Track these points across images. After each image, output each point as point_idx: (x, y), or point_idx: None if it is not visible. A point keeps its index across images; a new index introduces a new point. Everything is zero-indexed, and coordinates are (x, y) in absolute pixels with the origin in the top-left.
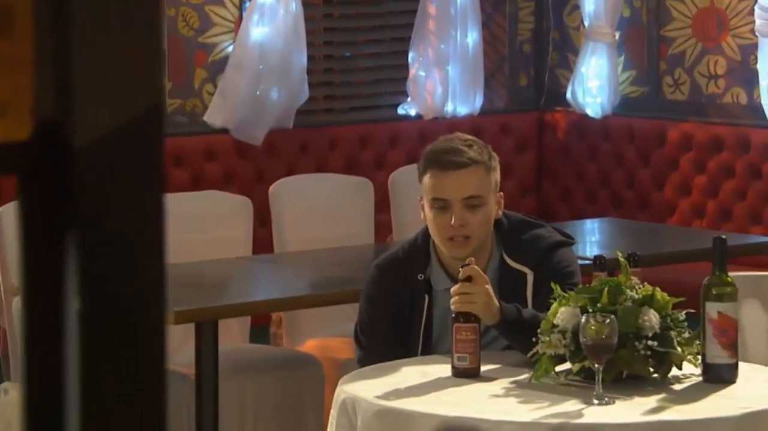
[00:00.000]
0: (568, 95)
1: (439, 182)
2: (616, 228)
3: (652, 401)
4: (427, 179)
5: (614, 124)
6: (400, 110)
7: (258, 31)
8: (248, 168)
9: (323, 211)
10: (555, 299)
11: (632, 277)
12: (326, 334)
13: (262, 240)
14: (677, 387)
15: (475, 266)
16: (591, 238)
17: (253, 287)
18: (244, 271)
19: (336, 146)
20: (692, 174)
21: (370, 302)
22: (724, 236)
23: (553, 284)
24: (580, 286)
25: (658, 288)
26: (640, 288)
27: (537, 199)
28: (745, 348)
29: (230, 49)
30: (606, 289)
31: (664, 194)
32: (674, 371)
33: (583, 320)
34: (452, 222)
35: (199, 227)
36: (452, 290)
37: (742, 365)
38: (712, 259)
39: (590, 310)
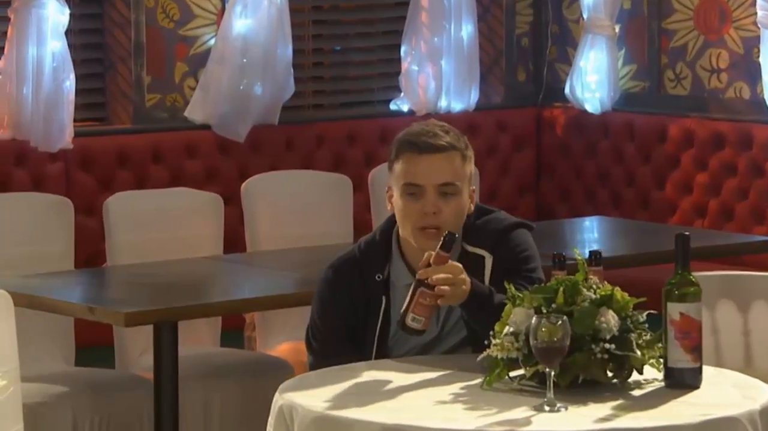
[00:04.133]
0: (567, 90)
1: (414, 166)
2: (610, 227)
3: (607, 407)
4: (399, 164)
5: (614, 120)
6: (392, 106)
7: (241, 23)
8: (231, 165)
9: (299, 209)
10: (510, 299)
11: (591, 276)
12: (301, 338)
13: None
14: (637, 392)
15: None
16: (581, 237)
17: (219, 287)
18: (211, 270)
19: (323, 142)
20: (693, 172)
21: (323, 306)
22: (687, 233)
23: (507, 284)
24: (540, 271)
25: (618, 288)
26: (599, 288)
27: (535, 198)
28: (719, 352)
29: (212, 42)
30: (562, 289)
31: (665, 193)
32: (636, 376)
33: (534, 321)
34: (425, 209)
35: (169, 225)
36: (435, 277)
37: (708, 369)
38: (674, 258)
39: (545, 311)
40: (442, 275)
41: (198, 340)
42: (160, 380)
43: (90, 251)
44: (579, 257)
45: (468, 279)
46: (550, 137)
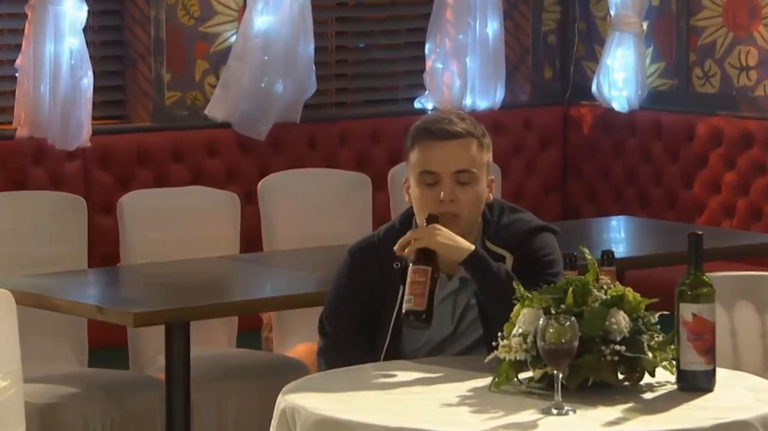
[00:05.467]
0: (593, 88)
1: (429, 153)
2: (635, 227)
3: (616, 411)
4: (415, 152)
5: (641, 118)
6: (417, 104)
7: (262, 20)
8: (251, 164)
9: (317, 208)
10: (518, 299)
11: (603, 276)
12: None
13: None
14: (648, 395)
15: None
16: (605, 236)
17: (233, 287)
18: (226, 270)
19: (346, 141)
20: (722, 171)
21: (340, 290)
22: (699, 233)
23: (515, 284)
24: (561, 276)
25: (629, 289)
26: (610, 289)
27: (562, 197)
28: (737, 354)
29: (233, 39)
30: (571, 289)
31: (693, 193)
32: (648, 378)
33: (541, 322)
34: (441, 197)
35: (184, 224)
36: (398, 246)
37: (722, 371)
38: (687, 257)
39: (554, 311)
40: (402, 240)
41: (214, 341)
42: (171, 381)
43: (107, 250)
44: (589, 257)
45: (459, 238)
46: (576, 135)
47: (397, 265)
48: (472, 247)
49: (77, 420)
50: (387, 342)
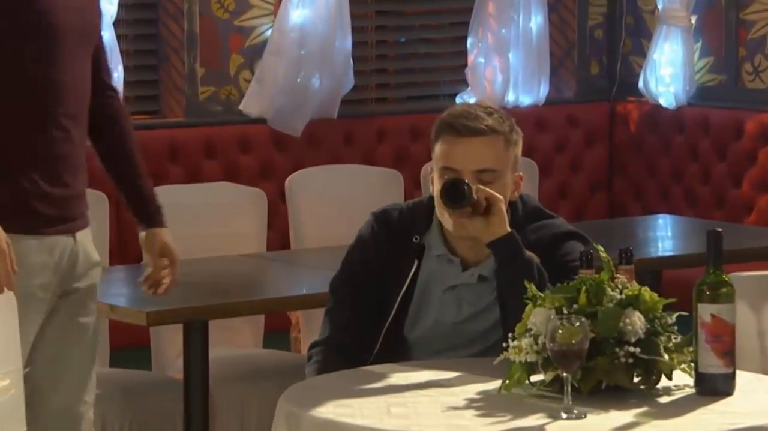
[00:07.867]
0: (640, 84)
1: (451, 149)
2: (678, 226)
3: (629, 415)
4: (438, 146)
5: (689, 115)
6: (459, 100)
7: (298, 13)
8: (286, 161)
9: (347, 205)
10: (529, 299)
11: (619, 275)
12: None
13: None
14: (664, 399)
15: None
16: (645, 235)
17: (256, 286)
18: (250, 269)
19: (385, 137)
20: None
21: (357, 249)
22: (719, 230)
23: (527, 283)
24: None
25: (646, 288)
26: (626, 288)
27: (608, 196)
28: (765, 357)
29: (269, 33)
30: (584, 288)
31: (742, 191)
32: (666, 382)
33: (551, 322)
34: None
35: (210, 221)
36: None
37: (744, 374)
38: (706, 256)
39: (566, 311)
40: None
41: (240, 341)
42: (189, 381)
43: (140, 248)
44: (604, 255)
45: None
46: (623, 132)
47: (416, 239)
48: (509, 230)
49: (95, 420)
50: (392, 314)
